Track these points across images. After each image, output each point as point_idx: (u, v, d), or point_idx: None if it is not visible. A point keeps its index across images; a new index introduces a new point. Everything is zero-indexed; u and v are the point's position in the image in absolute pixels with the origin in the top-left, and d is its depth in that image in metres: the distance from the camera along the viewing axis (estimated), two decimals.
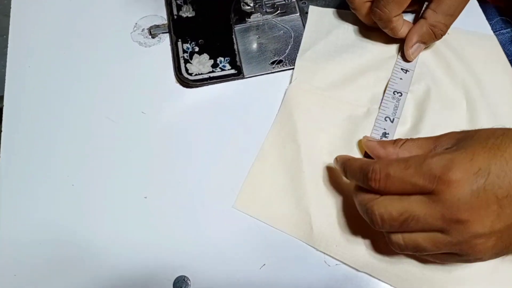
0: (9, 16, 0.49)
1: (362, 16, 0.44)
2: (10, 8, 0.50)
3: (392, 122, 0.42)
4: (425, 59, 0.45)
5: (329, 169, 0.40)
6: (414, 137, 0.36)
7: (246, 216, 0.39)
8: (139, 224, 0.39)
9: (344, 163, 0.37)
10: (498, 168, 0.29)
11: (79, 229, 0.39)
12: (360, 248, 0.37)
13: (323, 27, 0.47)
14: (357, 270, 0.37)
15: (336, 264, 0.37)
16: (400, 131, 0.42)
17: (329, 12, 0.48)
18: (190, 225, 0.39)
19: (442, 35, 0.43)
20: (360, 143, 0.41)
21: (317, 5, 0.48)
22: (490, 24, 0.59)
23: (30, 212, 0.40)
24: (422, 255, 0.34)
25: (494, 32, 0.58)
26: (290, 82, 0.44)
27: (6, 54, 0.47)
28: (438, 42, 0.45)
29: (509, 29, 0.61)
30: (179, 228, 0.39)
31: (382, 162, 0.32)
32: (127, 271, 0.38)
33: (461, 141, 0.32)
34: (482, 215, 0.29)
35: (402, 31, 0.43)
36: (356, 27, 0.47)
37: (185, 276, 0.37)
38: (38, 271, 0.38)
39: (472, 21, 0.48)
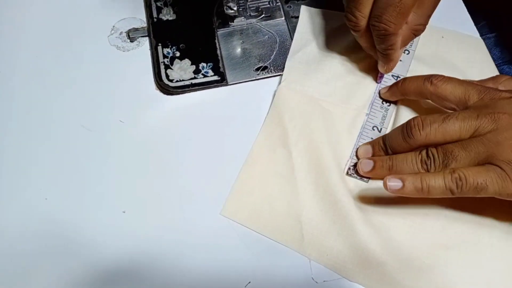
0: None
1: (366, 42, 0.41)
2: None
3: (379, 131, 0.41)
4: (416, 66, 0.44)
5: (321, 175, 0.39)
6: None
7: (232, 228, 0.38)
8: (117, 240, 0.37)
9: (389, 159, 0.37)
10: None
11: (52, 243, 0.37)
12: (352, 258, 0.36)
13: (314, 28, 0.46)
14: (349, 280, 0.36)
15: (324, 281, 0.36)
16: None
17: (321, 12, 0.47)
18: (173, 241, 0.37)
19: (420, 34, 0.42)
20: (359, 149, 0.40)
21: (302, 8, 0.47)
22: (477, 27, 0.59)
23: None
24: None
25: (481, 36, 0.58)
26: (279, 83, 0.43)
27: None
28: (428, 48, 0.45)
29: (494, 34, 0.60)
30: (160, 243, 0.37)
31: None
32: (109, 282, 0.36)
33: None
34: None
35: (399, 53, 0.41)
36: (349, 29, 0.45)
37: None
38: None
39: (460, 26, 0.47)
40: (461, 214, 0.37)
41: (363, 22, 0.38)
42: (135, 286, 0.36)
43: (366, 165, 0.38)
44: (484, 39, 0.57)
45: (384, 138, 0.39)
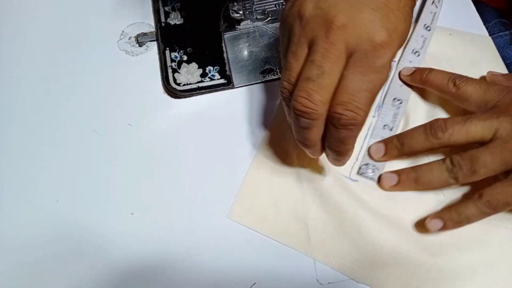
0: None
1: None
2: None
3: (390, 130, 0.40)
4: (426, 64, 0.43)
5: (326, 177, 0.39)
6: None
7: (238, 230, 0.38)
8: (125, 241, 0.38)
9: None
10: None
11: (63, 245, 0.38)
12: (359, 260, 0.36)
13: None
14: (356, 281, 0.36)
15: (329, 283, 0.36)
16: None
17: None
18: (180, 242, 0.38)
19: None
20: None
21: None
22: (488, 26, 0.58)
23: (11, 232, 0.39)
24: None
25: (492, 34, 0.57)
26: None
27: None
28: (436, 47, 0.44)
29: (507, 32, 0.59)
30: (167, 245, 0.38)
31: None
32: (116, 283, 0.37)
33: None
34: None
35: None
36: None
37: None
38: None
39: (468, 23, 0.47)
40: None
41: (322, 109, 0.29)
42: (142, 287, 0.37)
43: (390, 180, 0.38)
44: (496, 38, 0.56)
45: (399, 137, 0.39)
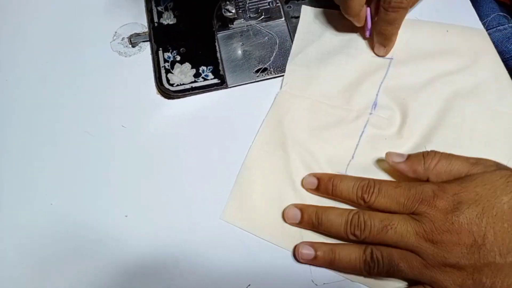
0: None
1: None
2: None
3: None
4: (422, 62, 0.43)
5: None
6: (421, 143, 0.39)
7: (232, 231, 0.38)
8: (118, 244, 0.38)
9: (333, 177, 0.37)
10: (480, 209, 0.31)
11: (57, 247, 0.38)
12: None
13: (315, 28, 0.45)
14: (351, 281, 0.36)
15: (324, 284, 0.36)
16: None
17: (323, 12, 0.46)
18: (174, 244, 0.38)
19: None
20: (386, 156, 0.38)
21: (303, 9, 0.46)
22: (487, 20, 0.57)
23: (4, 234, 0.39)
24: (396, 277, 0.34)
25: (490, 28, 0.56)
26: (281, 88, 0.43)
27: None
28: (434, 43, 0.44)
29: (506, 25, 0.58)
30: (161, 247, 0.38)
31: (376, 180, 0.36)
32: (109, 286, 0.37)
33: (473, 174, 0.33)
34: (455, 243, 0.31)
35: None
36: (350, 28, 0.44)
37: None
38: None
39: (464, 17, 0.46)
40: None
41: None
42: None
43: (307, 254, 0.36)
44: (495, 32, 0.56)
45: (318, 212, 0.36)
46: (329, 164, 0.39)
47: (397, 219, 0.33)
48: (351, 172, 0.39)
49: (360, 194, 0.35)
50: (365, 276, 0.35)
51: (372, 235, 0.33)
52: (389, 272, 0.33)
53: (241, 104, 0.43)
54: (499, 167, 0.34)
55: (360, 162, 0.39)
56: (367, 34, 0.43)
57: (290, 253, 0.37)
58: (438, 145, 0.38)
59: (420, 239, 0.32)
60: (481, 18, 0.47)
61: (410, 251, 0.32)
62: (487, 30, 0.46)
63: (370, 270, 0.34)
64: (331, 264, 0.35)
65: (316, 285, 0.36)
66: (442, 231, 0.31)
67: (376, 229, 0.33)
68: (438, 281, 0.32)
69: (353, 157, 0.40)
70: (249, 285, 0.36)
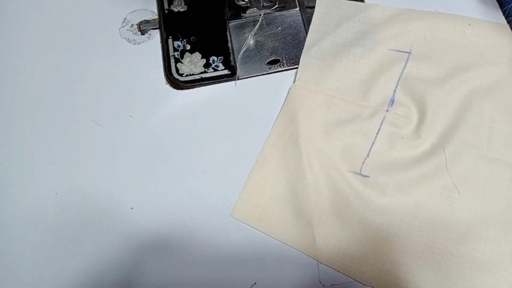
0: None
1: None
2: None
3: None
4: (444, 55, 0.41)
5: (333, 177, 0.38)
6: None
7: (240, 228, 0.37)
8: (123, 237, 0.37)
9: None
10: None
11: (63, 241, 0.38)
12: (366, 262, 0.35)
13: (331, 19, 0.44)
14: (363, 284, 0.35)
15: (332, 285, 0.35)
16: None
17: (339, 3, 0.44)
18: (180, 240, 0.37)
19: None
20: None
21: None
22: (508, 7, 0.55)
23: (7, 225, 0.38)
24: None
25: (510, 16, 0.54)
26: (294, 81, 0.41)
27: None
28: (455, 37, 0.42)
29: None
30: (167, 242, 0.37)
31: None
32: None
33: None
34: None
35: None
36: (368, 19, 0.43)
37: None
38: None
39: (484, 4, 0.44)
40: (485, 215, 0.36)
41: None
42: (141, 283, 0.36)
43: None
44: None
45: None
46: (344, 162, 0.38)
47: None
48: (366, 171, 0.38)
49: None
50: None
51: None
52: None
53: (252, 96, 0.41)
54: None
55: (375, 161, 0.38)
56: None
57: (297, 252, 0.36)
58: (456, 146, 0.37)
59: None
60: (501, 5, 0.45)
61: None
62: (507, 18, 0.44)
63: None
64: None
65: (324, 286, 0.35)
66: None
67: None
68: None
69: (368, 155, 0.38)
70: (255, 283, 0.35)
